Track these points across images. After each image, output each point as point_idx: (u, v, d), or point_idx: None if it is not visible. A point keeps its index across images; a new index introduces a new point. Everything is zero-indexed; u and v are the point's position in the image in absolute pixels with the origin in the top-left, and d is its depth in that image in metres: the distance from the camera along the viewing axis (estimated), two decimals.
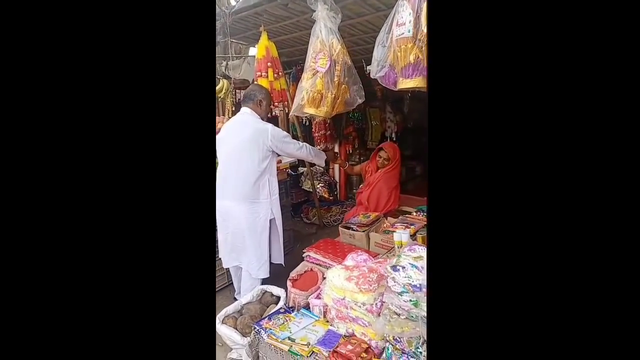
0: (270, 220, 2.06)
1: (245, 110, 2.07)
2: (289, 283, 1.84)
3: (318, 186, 3.78)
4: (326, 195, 3.84)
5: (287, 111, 2.76)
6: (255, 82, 2.58)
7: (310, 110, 1.92)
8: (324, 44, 1.86)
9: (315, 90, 1.86)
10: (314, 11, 1.91)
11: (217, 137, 2.02)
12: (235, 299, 2.21)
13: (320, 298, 1.65)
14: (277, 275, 2.14)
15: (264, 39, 2.48)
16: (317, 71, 1.86)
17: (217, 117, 3.62)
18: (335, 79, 1.87)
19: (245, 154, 1.93)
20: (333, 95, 1.87)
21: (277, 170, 2.23)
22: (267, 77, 2.46)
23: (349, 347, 1.38)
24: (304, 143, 2.21)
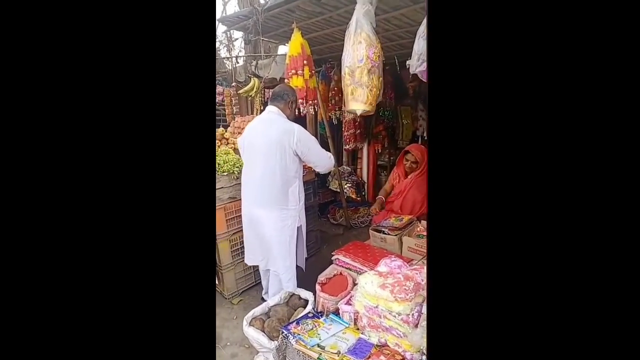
0: (297, 227, 1.95)
1: (272, 109, 1.89)
2: (317, 287, 1.78)
3: (345, 186, 3.71)
4: (353, 196, 3.76)
5: (316, 110, 2.70)
6: (284, 81, 2.52)
7: (362, 107, 1.85)
8: (371, 37, 1.78)
9: (373, 85, 1.80)
10: (350, 5, 1.84)
11: (241, 137, 1.91)
12: (263, 299, 2.19)
13: (350, 304, 1.58)
14: (301, 277, 2.09)
15: (297, 36, 2.42)
16: (372, 65, 1.79)
17: (246, 116, 3.62)
18: (380, 73, 1.81)
19: (272, 157, 1.77)
20: (380, 91, 1.82)
21: (305, 170, 2.17)
22: (303, 75, 2.39)
23: (382, 358, 1.30)
24: (330, 153, 2.00)
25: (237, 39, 5.07)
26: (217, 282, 2.19)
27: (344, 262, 1.92)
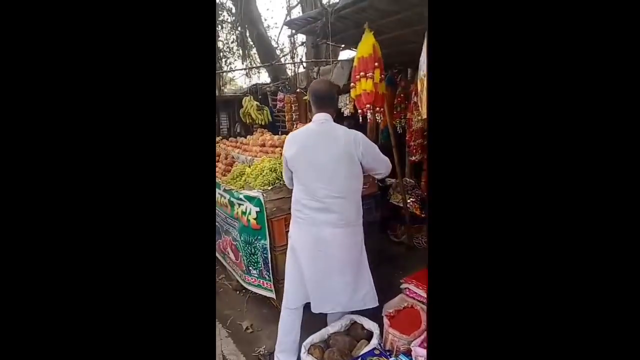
0: None
1: (324, 117, 1.59)
2: (385, 320, 1.55)
3: (409, 201, 3.40)
4: (417, 212, 3.43)
5: (381, 118, 2.46)
6: (323, 79, 2.26)
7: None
8: None
9: None
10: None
11: (290, 152, 1.61)
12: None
13: (426, 348, 1.32)
14: None
15: (369, 36, 2.22)
16: None
17: (298, 124, 3.57)
18: None
19: (340, 173, 1.54)
20: None
21: (367, 182, 1.96)
22: (373, 78, 2.17)
23: None
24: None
25: (301, 43, 5.05)
26: (274, 296, 2.05)
27: (415, 293, 1.66)
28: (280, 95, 4.78)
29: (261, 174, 2.14)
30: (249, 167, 2.43)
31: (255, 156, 2.73)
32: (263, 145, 2.88)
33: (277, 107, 4.72)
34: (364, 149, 1.54)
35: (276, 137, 3.07)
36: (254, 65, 7.20)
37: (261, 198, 1.92)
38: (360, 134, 1.58)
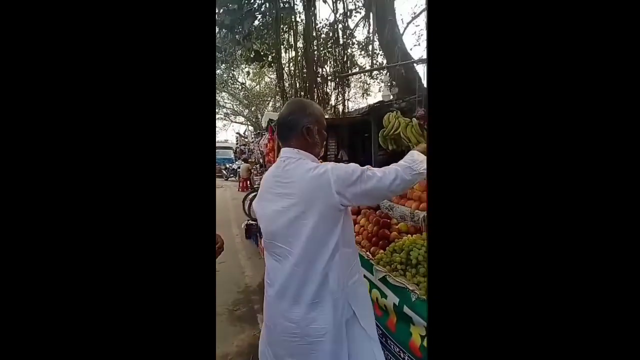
0: (348, 320, 1.03)
1: (285, 152, 1.07)
2: None
3: None
4: None
5: None
6: (296, 99, 1.33)
7: None
8: None
9: None
10: None
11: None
12: None
13: None
14: None
15: None
16: None
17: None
18: None
19: (298, 229, 0.98)
20: None
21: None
22: None
23: None
24: (392, 166, 1.05)
25: None
26: None
27: None
28: (420, 111, 3.74)
29: None
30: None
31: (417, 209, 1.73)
32: None
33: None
34: (336, 182, 0.95)
35: None
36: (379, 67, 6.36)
37: None
38: (330, 165, 0.99)
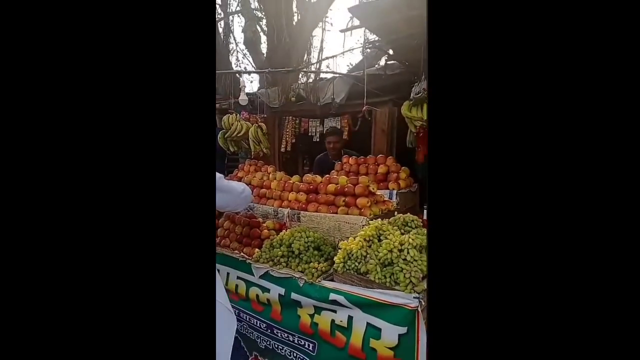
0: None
1: None
2: None
3: None
4: None
5: None
6: None
7: None
8: None
9: None
10: None
11: None
12: None
13: None
14: None
15: None
16: None
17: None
18: None
19: None
20: None
21: None
22: None
23: None
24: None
25: None
26: None
27: None
28: (244, 114, 2.98)
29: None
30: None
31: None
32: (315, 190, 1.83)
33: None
34: None
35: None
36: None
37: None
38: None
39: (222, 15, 5.87)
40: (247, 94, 2.95)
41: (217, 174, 1.19)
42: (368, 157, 2.24)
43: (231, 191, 1.28)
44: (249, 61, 6.16)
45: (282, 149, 3.78)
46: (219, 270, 1.69)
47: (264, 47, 5.85)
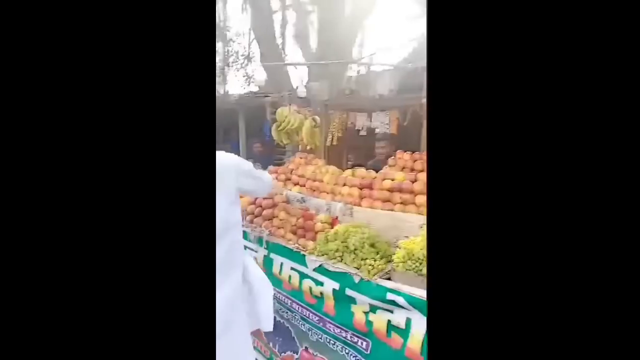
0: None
1: None
2: None
3: None
4: None
5: None
6: None
7: None
8: None
9: None
10: None
11: None
12: None
13: None
14: None
15: None
16: None
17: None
18: None
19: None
20: None
21: None
22: None
23: None
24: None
25: None
26: None
27: None
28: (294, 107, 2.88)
29: None
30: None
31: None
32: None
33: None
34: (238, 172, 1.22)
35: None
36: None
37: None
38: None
39: (276, 9, 5.98)
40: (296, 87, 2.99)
41: (249, 162, 1.31)
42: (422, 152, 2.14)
43: (262, 177, 1.40)
44: (300, 55, 6.22)
45: (328, 143, 3.77)
46: (272, 259, 1.73)
47: (313, 41, 5.87)
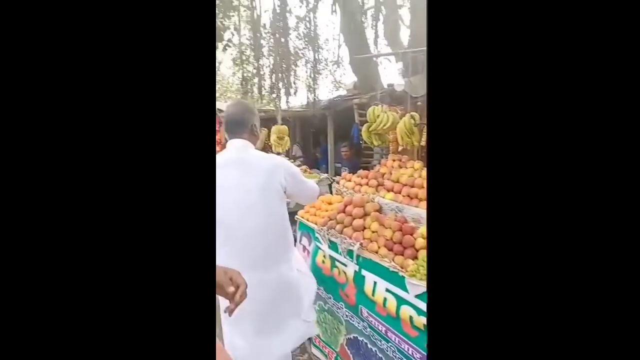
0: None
1: (238, 143, 1.37)
2: None
3: None
4: None
5: None
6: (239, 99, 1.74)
7: None
8: None
9: None
10: None
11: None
12: None
13: None
14: None
15: None
16: None
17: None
18: None
19: (259, 206, 1.31)
20: None
21: None
22: None
23: None
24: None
25: None
26: None
27: None
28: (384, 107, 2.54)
29: None
30: None
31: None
32: None
33: None
34: (288, 174, 1.38)
35: None
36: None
37: None
38: (283, 158, 1.56)
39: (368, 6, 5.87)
40: (388, 85, 2.74)
41: (297, 168, 1.49)
42: None
43: (305, 182, 1.50)
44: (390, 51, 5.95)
45: (423, 142, 3.40)
46: (364, 276, 1.53)
47: (404, 37, 5.53)
